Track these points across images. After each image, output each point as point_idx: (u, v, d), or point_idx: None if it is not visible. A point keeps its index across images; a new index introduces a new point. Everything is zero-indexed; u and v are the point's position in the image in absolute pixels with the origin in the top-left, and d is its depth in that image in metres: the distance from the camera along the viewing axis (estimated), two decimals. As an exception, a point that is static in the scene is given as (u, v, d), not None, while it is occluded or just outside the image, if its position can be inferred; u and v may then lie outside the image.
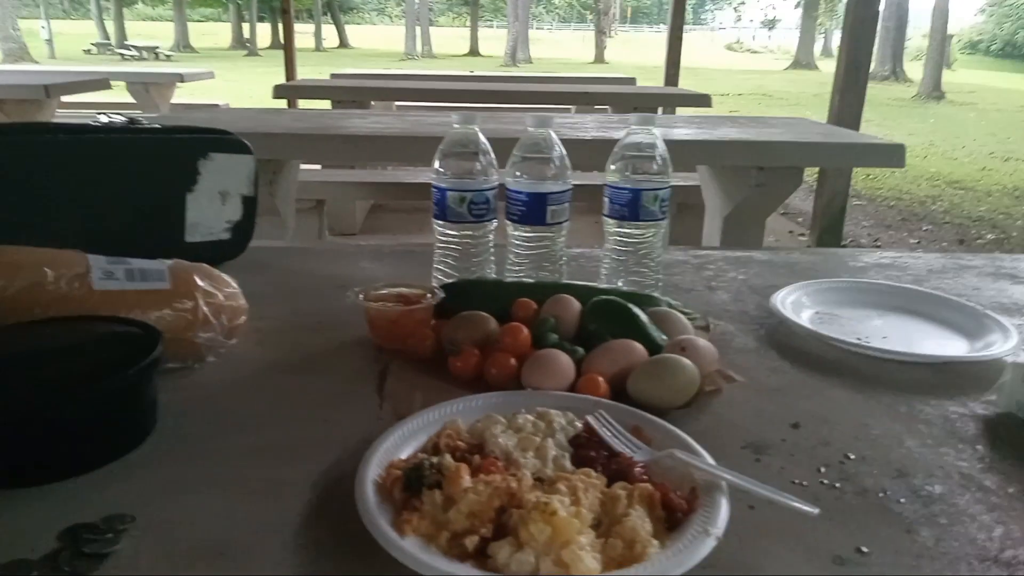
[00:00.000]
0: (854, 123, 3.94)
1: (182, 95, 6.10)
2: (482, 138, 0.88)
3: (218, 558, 0.49)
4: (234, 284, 0.81)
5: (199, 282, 0.76)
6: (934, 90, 15.93)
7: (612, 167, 0.90)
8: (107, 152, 0.93)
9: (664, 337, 0.76)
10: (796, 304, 0.93)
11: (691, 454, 0.57)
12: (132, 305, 0.72)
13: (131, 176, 0.96)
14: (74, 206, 0.91)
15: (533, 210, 0.87)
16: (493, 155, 0.88)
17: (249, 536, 0.51)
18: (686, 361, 0.69)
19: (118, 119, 0.95)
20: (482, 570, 0.46)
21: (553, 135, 0.88)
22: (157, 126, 0.99)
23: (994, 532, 0.53)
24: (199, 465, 0.59)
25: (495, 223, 0.90)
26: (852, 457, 0.63)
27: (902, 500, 0.57)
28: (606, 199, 0.90)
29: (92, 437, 0.58)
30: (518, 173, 0.87)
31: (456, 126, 0.87)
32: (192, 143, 1.00)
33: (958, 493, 0.58)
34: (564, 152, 0.88)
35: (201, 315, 0.75)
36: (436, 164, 0.87)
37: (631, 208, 0.88)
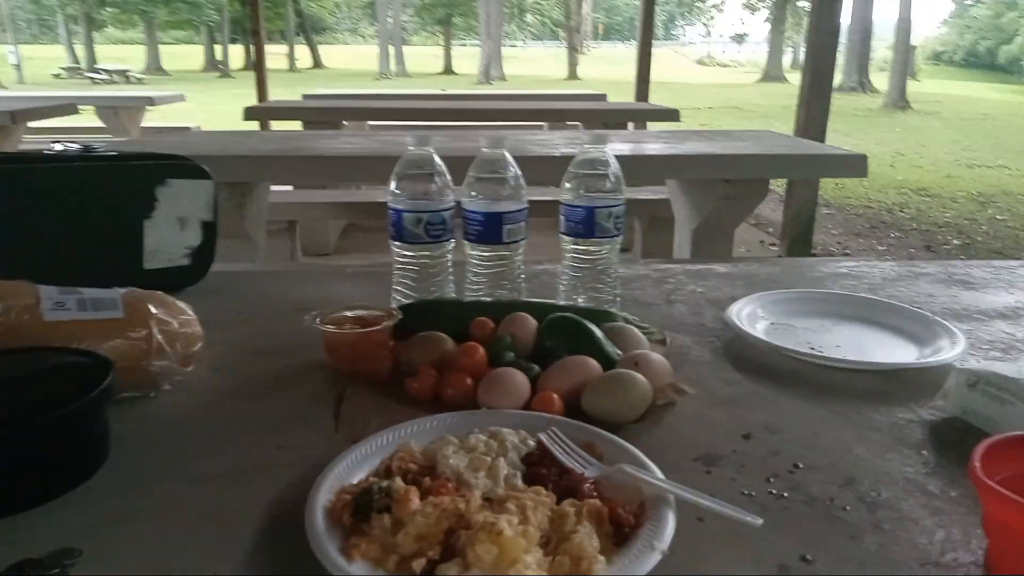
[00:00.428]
0: (820, 134, 4.01)
1: (153, 118, 6.07)
2: (437, 159, 0.89)
3: (165, 589, 0.49)
4: (189, 311, 0.81)
5: (153, 310, 0.76)
6: (900, 100, 16.26)
7: (567, 185, 0.91)
8: (61, 181, 0.93)
9: (619, 352, 0.77)
10: (751, 316, 0.94)
11: (640, 468, 0.58)
12: (84, 335, 0.71)
13: (87, 204, 0.96)
14: (28, 236, 0.90)
15: (489, 229, 0.88)
16: (448, 176, 0.89)
17: (198, 565, 0.51)
18: (639, 376, 0.70)
19: (73, 147, 0.95)
20: (430, 593, 0.46)
21: (507, 155, 0.89)
22: (113, 153, 0.99)
23: (935, 536, 0.54)
24: (150, 495, 0.59)
25: (452, 243, 0.91)
26: (801, 466, 0.64)
27: (847, 508, 0.58)
28: (561, 217, 0.91)
29: (40, 470, 0.58)
30: (473, 193, 0.88)
31: (411, 148, 0.88)
32: (148, 170, 1.00)
33: (902, 498, 0.59)
34: (519, 172, 0.89)
35: (155, 344, 0.75)
36: (392, 186, 0.88)
37: (586, 225, 0.89)
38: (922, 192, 6.84)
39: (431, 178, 0.88)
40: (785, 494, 0.59)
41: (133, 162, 1.00)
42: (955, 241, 5.16)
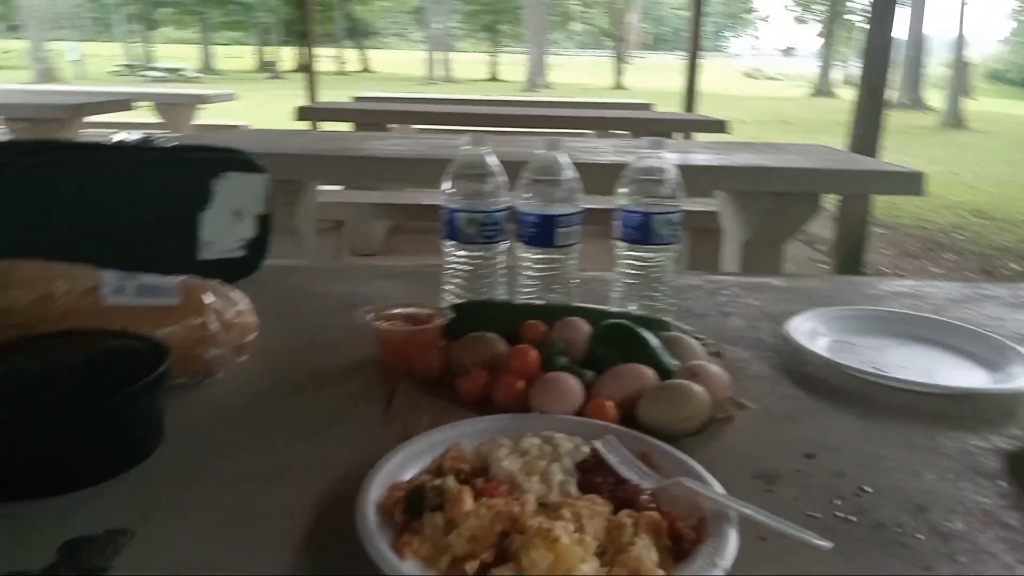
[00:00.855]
0: (873, 150, 3.92)
1: (204, 116, 6.20)
2: (492, 160, 0.88)
3: (213, 580, 0.48)
4: (245, 301, 0.81)
5: (209, 299, 0.76)
6: (955, 118, 15.83)
7: (623, 191, 0.89)
8: (121, 170, 0.94)
9: (675, 362, 0.75)
10: (812, 332, 0.91)
11: (700, 483, 0.56)
12: (141, 321, 0.72)
13: (145, 194, 0.97)
14: (88, 223, 0.92)
15: (543, 232, 0.87)
16: (504, 177, 0.88)
17: (247, 558, 0.50)
18: (697, 387, 0.68)
19: (132, 137, 0.97)
20: (482, 597, 0.45)
21: (563, 158, 0.88)
22: (171, 145, 1.00)
23: (1016, 572, 0.51)
24: (203, 484, 0.59)
25: (505, 245, 0.90)
26: (868, 490, 0.61)
27: (919, 536, 0.55)
28: (617, 222, 0.90)
29: (96, 452, 0.58)
30: (528, 195, 0.87)
31: (466, 148, 0.87)
32: (206, 162, 1.01)
33: (979, 530, 0.56)
34: (575, 175, 0.88)
35: (210, 332, 0.75)
36: (446, 186, 0.87)
37: (642, 232, 0.88)
38: (978, 214, 6.63)
39: (486, 178, 0.87)
40: (852, 518, 0.57)
41: (191, 154, 1.01)
42: (1014, 266, 4.98)
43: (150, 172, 0.99)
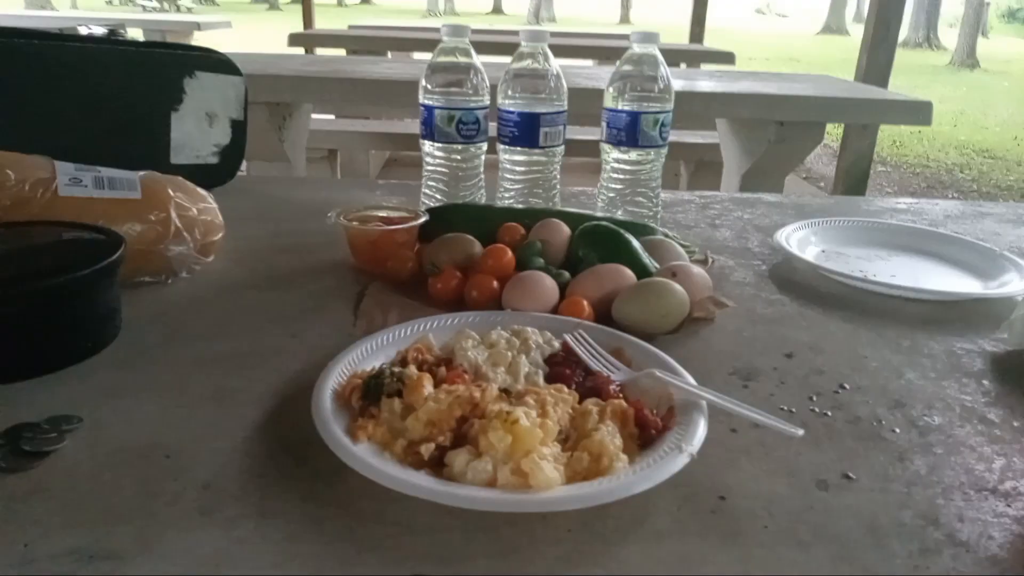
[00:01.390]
0: (882, 83, 3.80)
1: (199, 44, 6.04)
2: (473, 55, 0.83)
3: (162, 459, 0.46)
4: (210, 199, 0.78)
5: (172, 193, 0.73)
6: (968, 58, 15.43)
7: (610, 90, 0.85)
8: (85, 62, 0.89)
9: (656, 265, 0.72)
10: (802, 241, 0.88)
11: (672, 374, 0.54)
12: (99, 214, 0.69)
13: (111, 89, 0.92)
14: (49, 117, 0.87)
15: (525, 132, 0.83)
16: (484, 73, 0.83)
17: (198, 440, 0.48)
18: (675, 285, 0.65)
19: (98, 30, 0.91)
20: (437, 478, 0.43)
21: (548, 51, 0.83)
22: (139, 40, 0.95)
23: (994, 463, 0.49)
24: (157, 372, 0.57)
25: (485, 145, 0.86)
26: (847, 387, 0.59)
27: (897, 429, 0.53)
28: (604, 124, 0.86)
29: (44, 339, 0.56)
30: (510, 91, 0.83)
31: (445, 38, 0.82)
32: (177, 59, 0.96)
33: (958, 424, 0.54)
34: (559, 71, 0.83)
35: (173, 228, 0.72)
36: (423, 81, 0.83)
37: (629, 133, 0.84)
38: (985, 154, 6.52)
39: (466, 72, 0.83)
40: (828, 412, 0.55)
41: (160, 50, 0.96)
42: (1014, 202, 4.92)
43: (118, 65, 0.94)
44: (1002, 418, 0.55)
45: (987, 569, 0.40)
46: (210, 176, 1.01)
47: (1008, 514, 0.44)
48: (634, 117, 0.83)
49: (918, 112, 2.32)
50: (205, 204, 0.77)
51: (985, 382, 0.61)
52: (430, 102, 0.82)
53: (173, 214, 0.72)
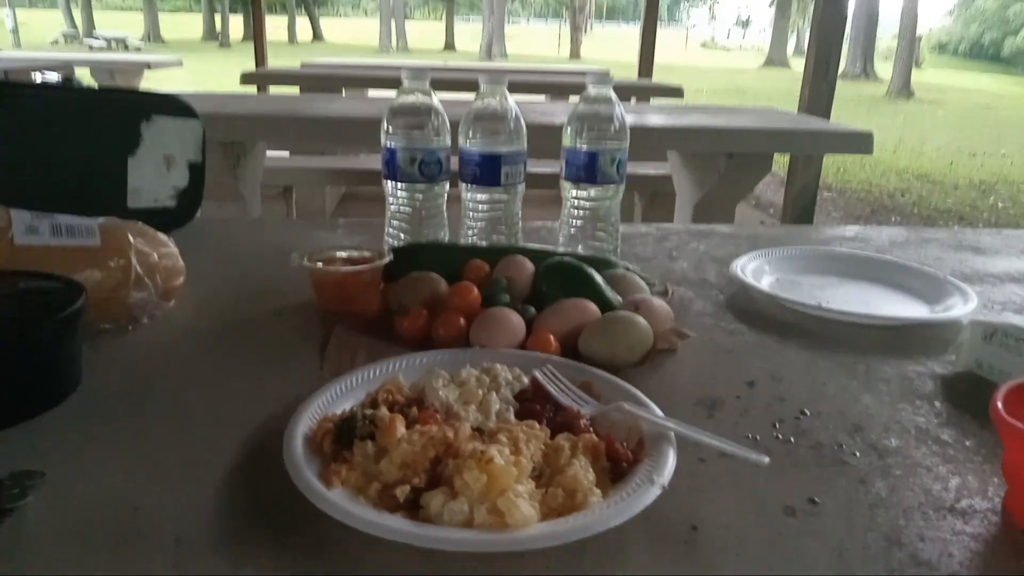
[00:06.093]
0: (824, 114, 3.95)
1: (149, 85, 5.98)
2: (433, 97, 0.85)
3: (132, 513, 0.45)
4: (171, 244, 0.77)
5: (132, 239, 0.73)
6: (904, 88, 16.15)
7: (568, 130, 0.87)
8: (42, 109, 0.88)
9: (619, 298, 0.74)
10: (757, 271, 0.91)
11: (640, 406, 0.55)
12: (57, 263, 0.67)
13: (68, 137, 0.91)
14: (4, 165, 0.86)
15: (487, 171, 0.84)
16: (445, 114, 0.85)
17: (167, 494, 0.47)
18: (638, 318, 0.67)
19: (51, 76, 0.91)
20: (413, 521, 0.43)
21: (508, 94, 0.85)
22: (94, 87, 0.94)
23: (950, 483, 0.52)
24: (121, 422, 0.56)
25: (447, 184, 0.87)
26: (808, 413, 0.61)
27: (857, 453, 0.55)
28: (563, 162, 0.88)
29: (3, 392, 0.55)
30: (471, 133, 0.84)
31: (406, 82, 0.84)
32: (132, 104, 0.95)
33: (914, 446, 0.56)
34: (519, 113, 0.85)
35: (134, 274, 0.71)
36: (384, 123, 0.84)
37: (588, 171, 0.86)
38: (924, 178, 6.80)
39: (426, 115, 0.84)
40: (791, 439, 0.57)
41: (116, 95, 0.95)
42: (956, 227, 5.13)
43: (74, 112, 0.93)
44: (955, 438, 0.58)
45: (949, 587, 0.41)
46: (168, 220, 0.99)
47: (966, 532, 0.46)
48: (592, 156, 0.85)
49: (860, 142, 2.42)
50: (166, 248, 0.76)
51: (937, 403, 0.63)
52: (392, 144, 0.84)
53: (134, 260, 0.71)
